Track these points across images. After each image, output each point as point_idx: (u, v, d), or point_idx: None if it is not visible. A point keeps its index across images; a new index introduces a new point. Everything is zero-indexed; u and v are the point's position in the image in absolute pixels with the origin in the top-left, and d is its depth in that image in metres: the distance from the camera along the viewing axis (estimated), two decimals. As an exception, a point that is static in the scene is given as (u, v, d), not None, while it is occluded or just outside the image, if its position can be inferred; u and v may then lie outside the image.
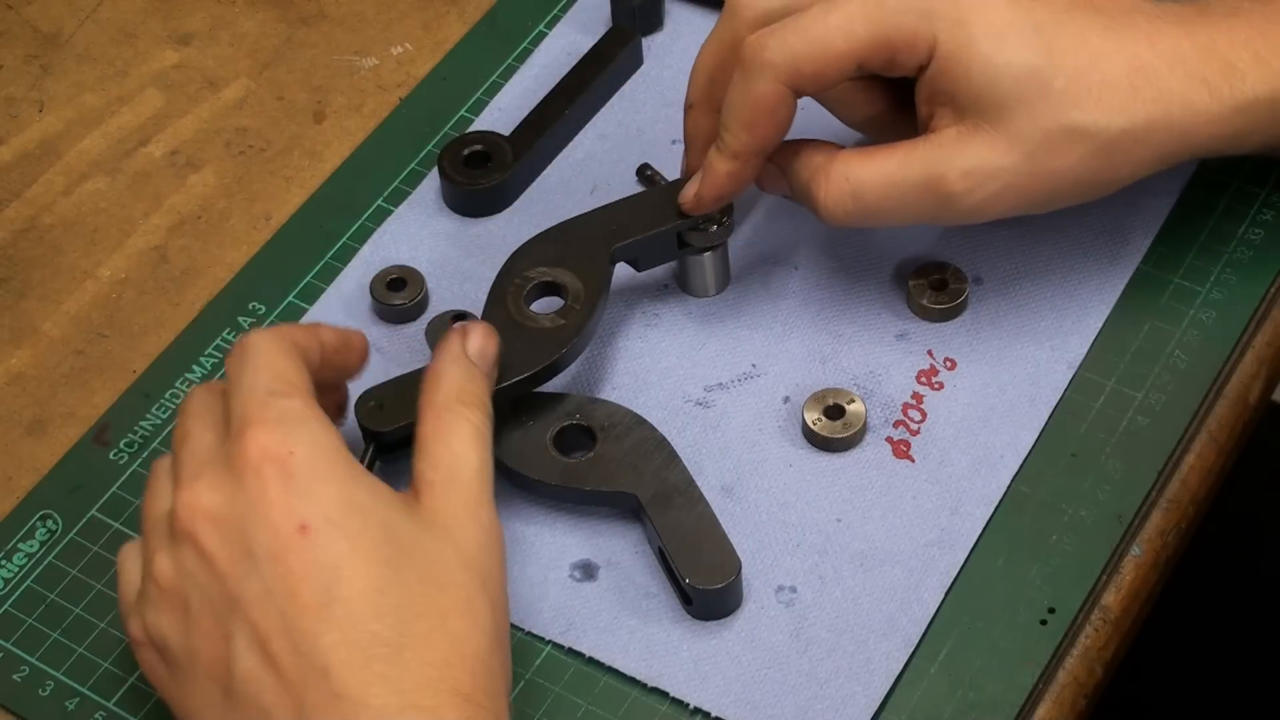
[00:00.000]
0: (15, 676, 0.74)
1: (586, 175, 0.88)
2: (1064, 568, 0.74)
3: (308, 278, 0.85)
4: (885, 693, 0.72)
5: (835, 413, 0.78)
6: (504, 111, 0.90)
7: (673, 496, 0.74)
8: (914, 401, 0.79)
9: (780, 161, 0.78)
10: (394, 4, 0.96)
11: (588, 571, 0.75)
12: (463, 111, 0.91)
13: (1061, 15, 0.74)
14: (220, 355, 0.83)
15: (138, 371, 0.83)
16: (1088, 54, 0.74)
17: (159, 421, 0.81)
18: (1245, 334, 0.81)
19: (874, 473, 0.77)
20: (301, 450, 0.65)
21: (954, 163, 0.74)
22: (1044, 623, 0.73)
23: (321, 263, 0.86)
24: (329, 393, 0.74)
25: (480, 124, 0.90)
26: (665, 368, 0.81)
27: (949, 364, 0.80)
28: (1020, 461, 0.77)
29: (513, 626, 0.74)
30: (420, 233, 0.86)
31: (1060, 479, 0.77)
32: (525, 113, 0.89)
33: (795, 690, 0.72)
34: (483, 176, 0.86)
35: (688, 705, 0.72)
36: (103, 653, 0.75)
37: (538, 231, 0.80)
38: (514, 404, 0.76)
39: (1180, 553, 0.78)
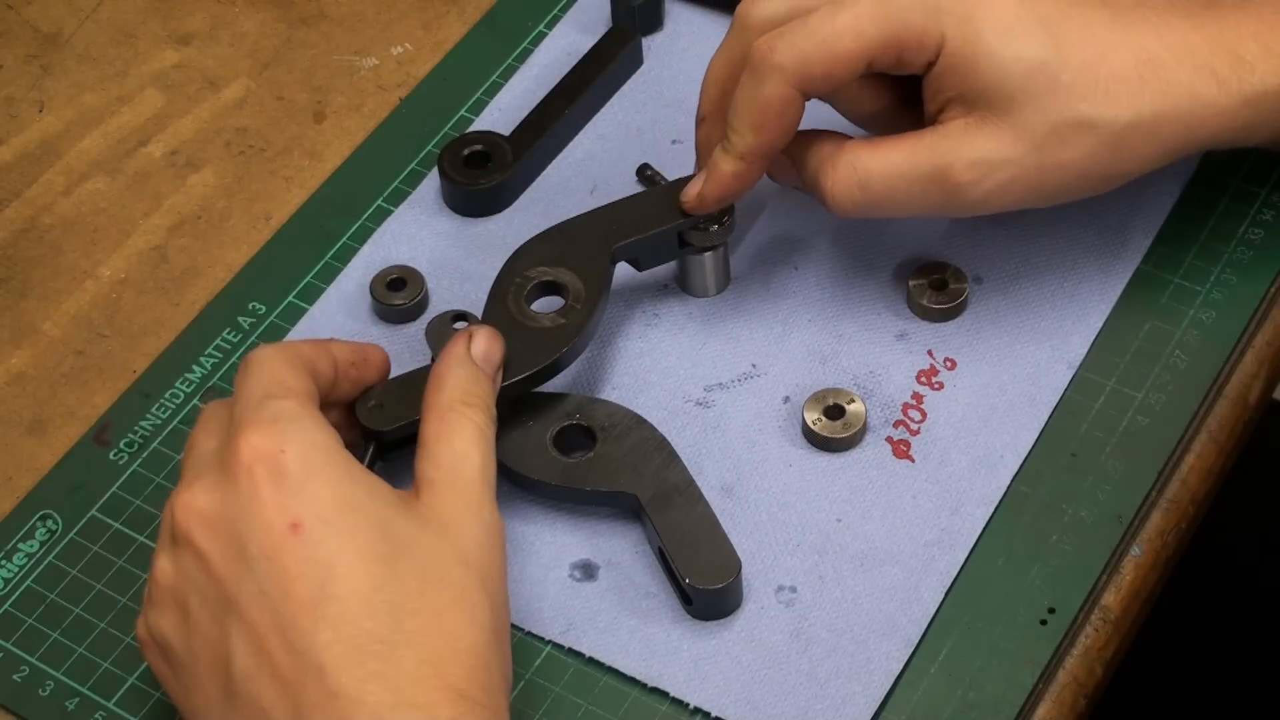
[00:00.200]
0: (15, 676, 0.74)
1: (586, 175, 0.88)
2: (1064, 568, 0.74)
3: (308, 278, 0.85)
4: (885, 693, 0.72)
5: (835, 413, 0.78)
6: (504, 111, 0.90)
7: (673, 496, 0.74)
8: (914, 401, 0.79)
9: (790, 151, 0.78)
10: (394, 4, 0.96)
11: (588, 571, 0.75)
12: (463, 111, 0.91)
13: (1068, 9, 0.74)
14: (220, 355, 0.83)
15: (138, 371, 0.83)
16: (1095, 47, 0.74)
17: (159, 421, 0.81)
18: (1245, 334, 0.81)
19: (874, 473, 0.77)
20: (293, 448, 0.65)
21: (961, 153, 0.74)
22: (1044, 623, 0.73)
23: (321, 263, 0.86)
24: (349, 408, 0.75)
25: (480, 124, 0.90)
26: (665, 368, 0.81)
27: (949, 364, 0.80)
28: (1020, 461, 0.77)
29: (513, 626, 0.74)
30: (420, 233, 0.86)
31: (1060, 479, 0.77)
32: (525, 113, 0.89)
33: (795, 690, 0.72)
34: (483, 176, 0.86)
35: (688, 705, 0.72)
36: (103, 653, 0.75)
37: (538, 231, 0.80)
38: (514, 404, 0.76)
39: (1180, 553, 0.78)
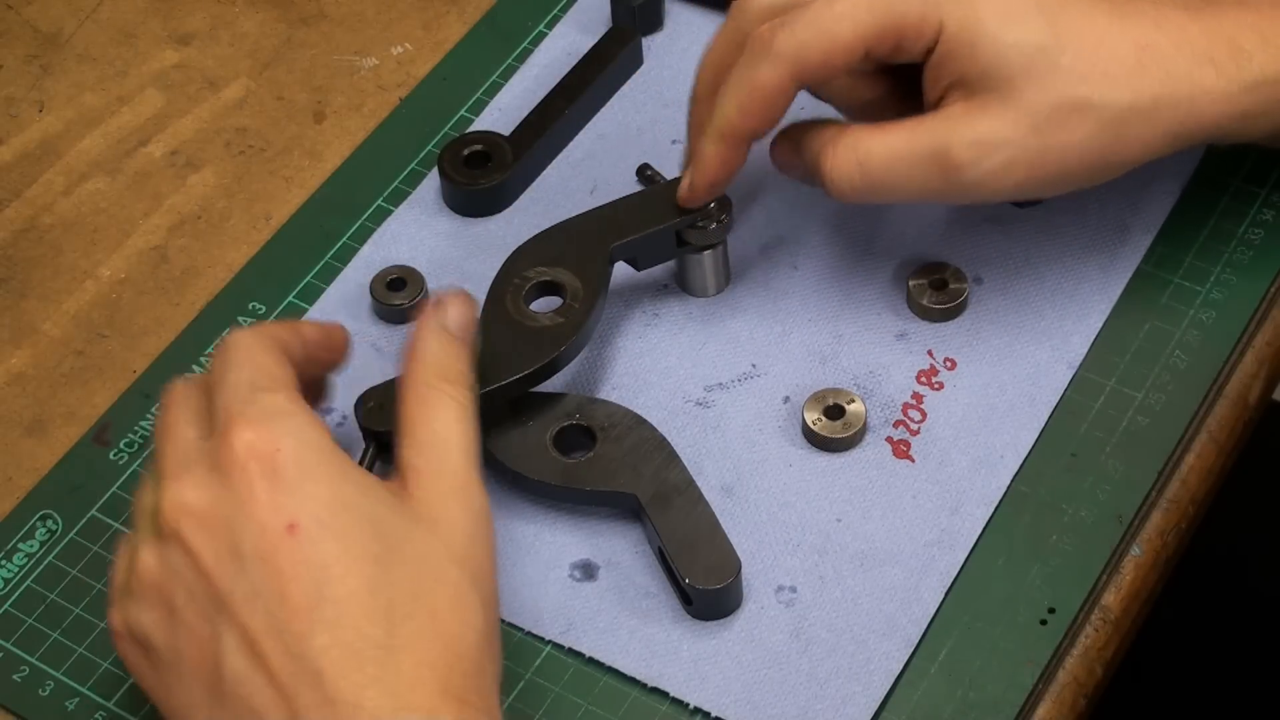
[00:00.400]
0: (15, 676, 0.74)
1: (586, 175, 0.88)
2: (1064, 568, 0.74)
3: (308, 278, 0.85)
4: (885, 693, 0.72)
5: (835, 413, 0.78)
6: (504, 111, 0.90)
7: (672, 496, 0.74)
8: (914, 401, 0.79)
9: (792, 135, 0.78)
10: (394, 4, 0.96)
11: (588, 571, 0.75)
12: (463, 111, 0.91)
13: (1067, 0, 0.75)
14: (220, 355, 0.83)
15: (138, 371, 0.83)
16: (1094, 34, 0.74)
17: (159, 421, 0.81)
18: (1245, 334, 0.81)
19: (874, 473, 0.77)
20: (288, 447, 0.65)
21: (961, 134, 0.74)
22: (1044, 623, 0.73)
23: (321, 263, 0.86)
24: (311, 387, 0.74)
25: (480, 124, 0.90)
26: (665, 368, 0.81)
27: (949, 364, 0.80)
28: (1020, 461, 0.77)
29: (513, 626, 0.74)
30: (420, 233, 0.86)
31: (1060, 479, 0.77)
32: (525, 113, 0.89)
33: (795, 690, 0.72)
34: (483, 176, 0.86)
35: (688, 705, 0.72)
36: (103, 653, 0.75)
37: (537, 231, 0.80)
38: (514, 404, 0.76)
39: (1180, 553, 0.78)
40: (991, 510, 0.76)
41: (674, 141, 0.88)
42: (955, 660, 0.72)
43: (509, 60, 0.93)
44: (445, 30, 0.95)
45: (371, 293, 0.83)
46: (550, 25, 0.94)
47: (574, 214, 0.81)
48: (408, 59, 0.94)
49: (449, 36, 0.94)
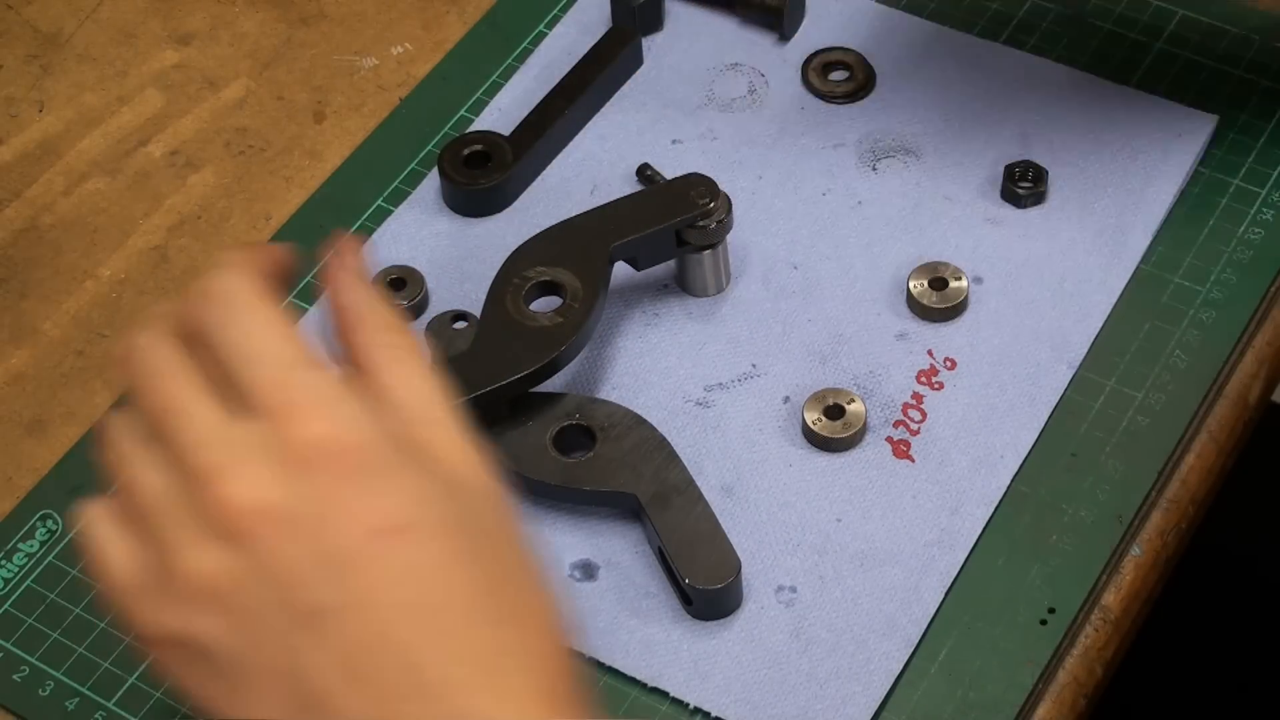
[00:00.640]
0: (15, 676, 0.74)
1: (586, 175, 0.88)
2: (1064, 568, 0.74)
3: (308, 278, 0.85)
4: (885, 693, 0.72)
5: (835, 413, 0.78)
6: (504, 111, 0.90)
7: (672, 496, 0.74)
8: (914, 401, 0.79)
9: None
10: (394, 4, 0.96)
11: (588, 571, 0.75)
12: (463, 111, 0.91)
13: None
14: (220, 355, 0.83)
15: (138, 371, 0.83)
16: None
17: (159, 421, 0.81)
18: (1245, 334, 0.81)
19: (874, 473, 0.77)
20: (363, 440, 0.58)
21: None
22: (1044, 623, 0.73)
23: (321, 262, 0.86)
24: None
25: (480, 124, 0.90)
26: (665, 368, 0.81)
27: (949, 364, 0.80)
28: (1020, 461, 0.77)
29: (513, 626, 0.74)
30: (420, 233, 0.86)
31: (1060, 479, 0.77)
32: (525, 113, 0.89)
33: (795, 690, 0.72)
34: (483, 176, 0.86)
35: (688, 705, 0.72)
36: (103, 653, 0.75)
37: (538, 231, 0.80)
38: (513, 404, 0.76)
39: (1180, 553, 0.78)
40: (991, 510, 0.76)
41: (674, 141, 0.88)
42: (955, 660, 0.72)
43: (509, 60, 0.93)
44: (445, 30, 0.95)
45: (371, 293, 0.83)
46: (550, 25, 0.94)
47: (574, 214, 0.81)
48: (408, 59, 0.94)
49: (449, 36, 0.94)
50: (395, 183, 0.88)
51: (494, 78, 0.92)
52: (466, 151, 0.87)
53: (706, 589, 0.73)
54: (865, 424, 0.78)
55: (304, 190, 0.89)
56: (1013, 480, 0.77)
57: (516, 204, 0.87)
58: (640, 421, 0.77)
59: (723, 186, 0.81)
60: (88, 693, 0.74)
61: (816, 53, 0.91)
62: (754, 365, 0.81)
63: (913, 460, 0.77)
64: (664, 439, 0.76)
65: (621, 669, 0.73)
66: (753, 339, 0.82)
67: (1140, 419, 0.78)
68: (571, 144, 0.89)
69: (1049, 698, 0.72)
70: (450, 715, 0.56)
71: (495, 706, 0.56)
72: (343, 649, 0.57)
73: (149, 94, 0.93)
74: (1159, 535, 0.76)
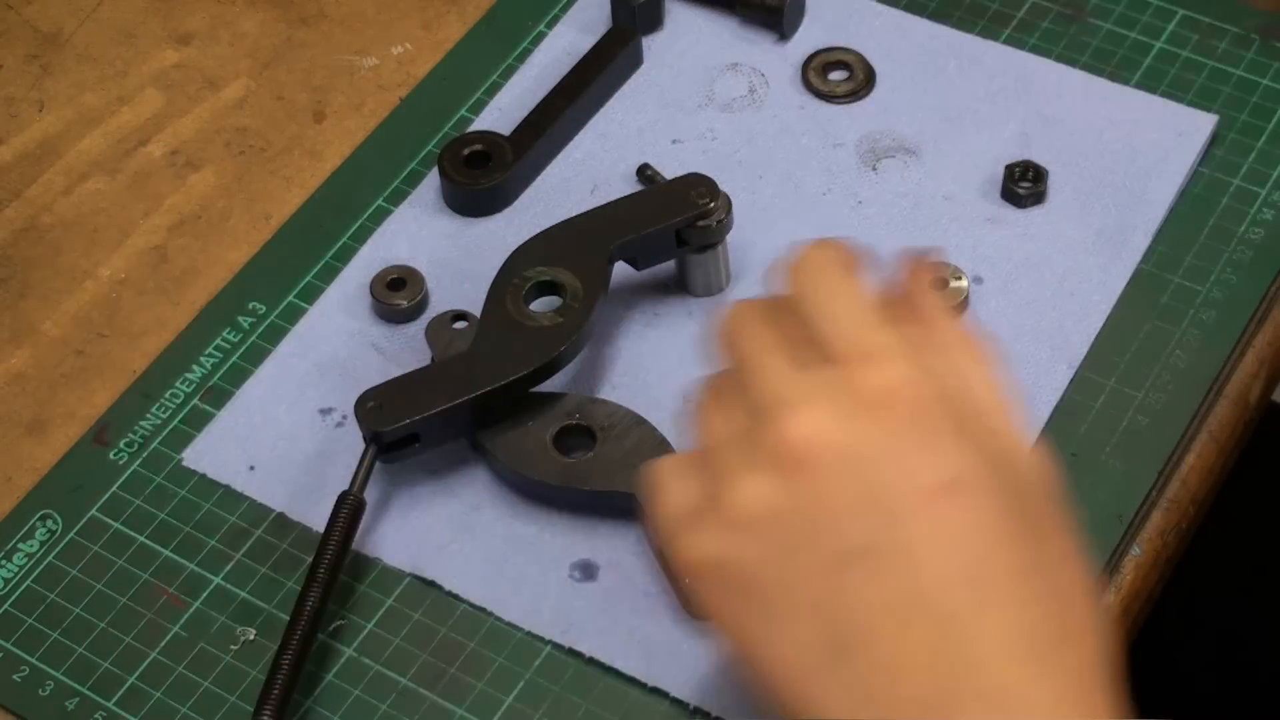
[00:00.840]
0: (15, 676, 0.74)
1: (586, 175, 0.88)
2: (1064, 568, 0.74)
3: (308, 278, 0.85)
4: (885, 693, 0.71)
5: (835, 413, 0.78)
6: (504, 111, 0.90)
7: (673, 496, 0.74)
8: (914, 401, 0.79)
9: None
10: (394, 4, 0.96)
11: (588, 571, 0.75)
12: (463, 111, 0.91)
13: None
14: (220, 355, 0.83)
15: (138, 371, 0.83)
16: None
17: (159, 421, 0.81)
18: (1245, 334, 0.81)
19: (874, 473, 0.77)
20: (930, 397, 0.58)
21: None
22: (1044, 623, 0.73)
23: (321, 263, 0.86)
24: None
25: (480, 124, 0.90)
26: (665, 368, 0.81)
27: (949, 364, 0.80)
28: (1020, 461, 0.77)
29: (513, 626, 0.74)
30: (420, 233, 0.86)
31: (1060, 479, 0.77)
32: (525, 113, 0.89)
33: (795, 690, 0.72)
34: (483, 176, 0.86)
35: (688, 705, 0.72)
36: (103, 653, 0.75)
37: (538, 231, 0.80)
38: (514, 404, 0.76)
39: (1180, 553, 0.78)
40: (991, 510, 0.76)
41: (674, 141, 0.88)
42: (955, 660, 0.72)
43: (509, 60, 0.92)
44: (445, 30, 0.95)
45: (371, 293, 0.83)
46: (550, 25, 0.94)
47: (574, 214, 0.81)
48: (408, 59, 0.94)
49: (449, 36, 0.94)
50: (395, 183, 0.88)
51: (494, 78, 0.92)
52: (466, 151, 0.87)
53: (706, 589, 0.72)
54: (865, 424, 0.78)
55: (304, 190, 0.89)
56: (1013, 480, 0.77)
57: (516, 204, 0.87)
58: (640, 421, 0.77)
59: (723, 186, 0.81)
60: (88, 693, 0.74)
61: (816, 53, 0.91)
62: (754, 365, 0.81)
63: (913, 460, 0.77)
64: (664, 439, 0.76)
65: (621, 669, 0.73)
66: (753, 339, 0.82)
67: (1140, 419, 0.78)
68: (571, 144, 0.89)
69: (1049, 698, 0.72)
70: (985, 684, 0.55)
71: (1032, 683, 0.55)
72: (882, 594, 0.56)
73: (149, 94, 0.93)
74: (1159, 535, 0.76)
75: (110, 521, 0.78)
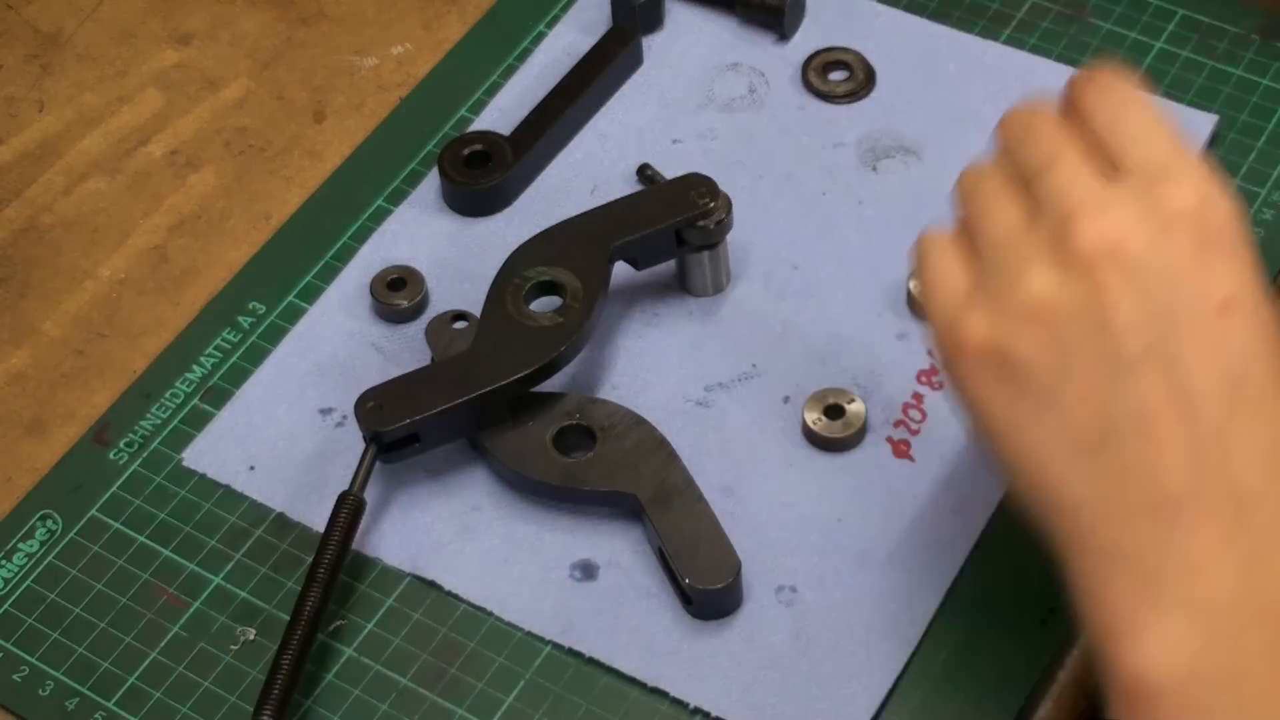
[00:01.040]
0: (15, 676, 0.74)
1: (586, 175, 0.88)
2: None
3: (308, 278, 0.85)
4: (885, 693, 0.72)
5: (835, 413, 0.78)
6: (504, 111, 0.90)
7: (672, 496, 0.74)
8: (914, 401, 0.79)
9: None
10: (394, 4, 0.96)
11: (588, 571, 0.75)
12: (463, 111, 0.91)
13: None
14: (220, 355, 0.83)
15: (138, 371, 0.83)
16: None
17: (159, 421, 0.81)
18: (1245, 334, 0.81)
19: (874, 473, 0.77)
20: (1228, 218, 0.60)
21: None
22: (1044, 623, 0.73)
23: (321, 263, 0.86)
24: None
25: (480, 124, 0.90)
26: (665, 367, 0.81)
27: (949, 364, 0.80)
28: (1020, 461, 0.77)
29: (512, 626, 0.74)
30: (420, 233, 0.86)
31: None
32: (525, 113, 0.89)
33: (795, 690, 0.72)
34: (483, 176, 0.86)
35: (688, 705, 0.72)
36: (103, 653, 0.75)
37: (538, 231, 0.80)
38: (514, 404, 0.76)
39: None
40: (992, 510, 0.76)
41: (674, 141, 0.88)
42: (955, 660, 0.72)
43: (509, 60, 0.93)
44: (445, 30, 0.95)
45: (371, 293, 0.83)
46: (550, 25, 0.94)
47: (574, 214, 0.81)
48: (408, 59, 0.94)
49: (449, 36, 0.94)
50: (395, 183, 0.88)
51: (494, 78, 0.92)
52: (466, 151, 0.87)
53: (706, 589, 0.73)
54: (865, 424, 0.78)
55: (304, 190, 0.89)
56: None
57: (516, 204, 0.87)
58: (640, 421, 0.77)
59: (723, 186, 0.81)
60: (88, 693, 0.74)
61: (816, 53, 0.91)
62: (754, 365, 0.81)
63: (913, 460, 0.77)
64: (664, 439, 0.76)
65: (621, 669, 0.73)
66: (753, 339, 0.82)
67: (1140, 419, 0.78)
68: (571, 144, 0.89)
69: (1049, 698, 0.72)
70: (1236, 487, 0.58)
71: None
72: (1151, 397, 0.58)
73: (149, 94, 0.93)
74: (1159, 535, 0.76)
75: (110, 521, 0.78)
